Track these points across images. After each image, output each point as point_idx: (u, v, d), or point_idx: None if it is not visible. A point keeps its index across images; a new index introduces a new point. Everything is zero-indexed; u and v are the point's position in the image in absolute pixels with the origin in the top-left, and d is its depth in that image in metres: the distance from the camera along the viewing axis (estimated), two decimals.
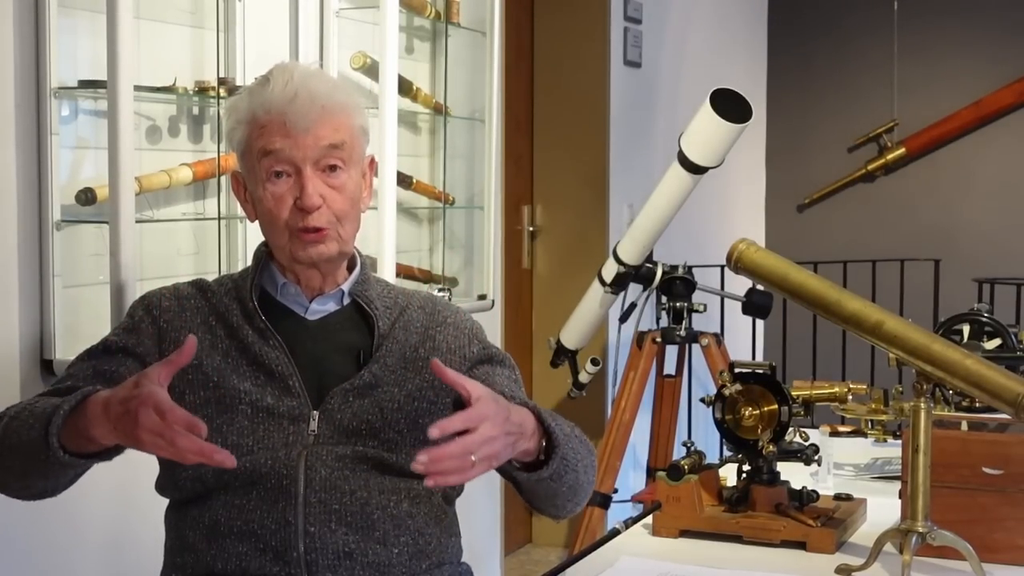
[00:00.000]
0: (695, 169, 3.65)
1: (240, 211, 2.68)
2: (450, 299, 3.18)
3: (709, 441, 3.78)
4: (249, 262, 1.93)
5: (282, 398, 1.81)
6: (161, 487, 1.88)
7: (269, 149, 1.80)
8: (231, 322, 1.85)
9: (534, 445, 1.70)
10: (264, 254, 1.90)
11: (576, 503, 1.87)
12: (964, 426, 2.08)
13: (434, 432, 1.53)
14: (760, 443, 2.04)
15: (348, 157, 1.84)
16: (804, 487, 2.10)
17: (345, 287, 1.89)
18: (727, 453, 2.51)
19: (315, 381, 1.83)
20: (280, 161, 1.80)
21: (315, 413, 1.81)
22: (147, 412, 1.52)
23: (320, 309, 1.88)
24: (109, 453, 1.69)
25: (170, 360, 1.59)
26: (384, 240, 2.85)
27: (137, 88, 2.29)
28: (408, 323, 1.90)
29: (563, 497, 1.83)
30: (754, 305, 3.85)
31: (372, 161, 1.94)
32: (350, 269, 1.91)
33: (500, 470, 1.79)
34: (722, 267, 4.76)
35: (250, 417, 1.80)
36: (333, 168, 1.82)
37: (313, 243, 1.82)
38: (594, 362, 4.16)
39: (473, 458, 1.56)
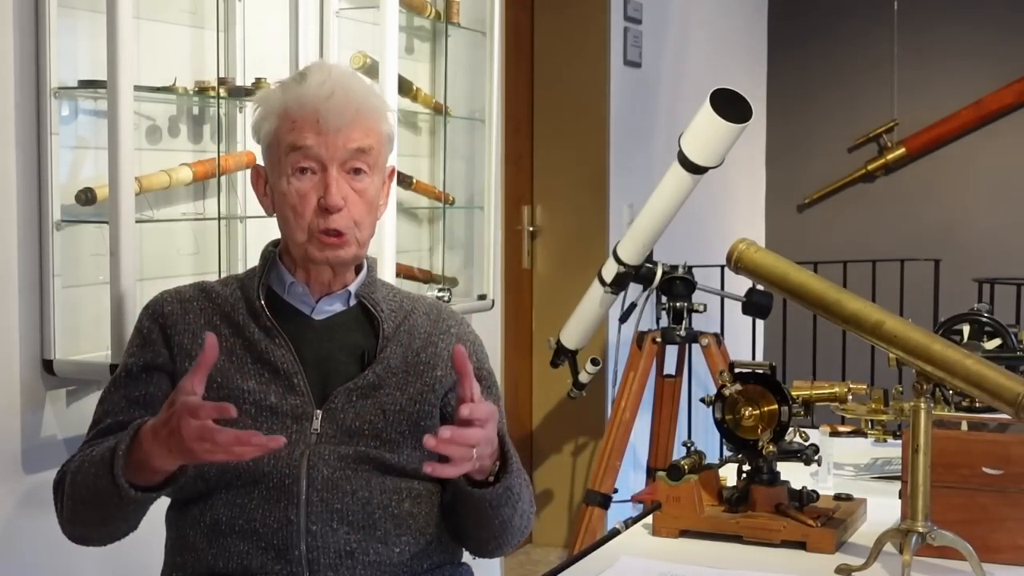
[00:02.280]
0: (695, 169, 3.65)
1: (240, 211, 2.69)
2: (450, 299, 3.19)
3: (709, 441, 3.77)
4: (249, 262, 1.94)
5: (286, 396, 1.82)
6: None
7: (299, 144, 1.80)
8: (236, 320, 1.86)
9: (490, 465, 1.76)
10: (272, 254, 1.90)
11: (497, 544, 1.90)
12: (964, 426, 2.08)
13: (464, 411, 1.61)
14: (760, 443, 2.04)
15: (374, 163, 1.85)
16: (804, 487, 2.10)
17: (352, 288, 1.90)
18: (727, 453, 2.50)
19: (319, 380, 1.84)
20: (308, 158, 1.81)
21: (318, 412, 1.82)
22: (186, 422, 1.57)
23: (327, 309, 1.89)
24: (176, 478, 1.71)
25: (197, 365, 1.62)
26: (384, 240, 2.84)
27: (137, 88, 2.29)
28: (413, 327, 1.91)
29: (489, 532, 1.86)
30: (754, 305, 3.84)
31: (392, 171, 1.95)
32: (357, 271, 1.92)
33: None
34: (722, 267, 4.75)
35: (253, 416, 1.80)
36: (358, 172, 1.83)
37: (332, 247, 1.83)
38: (594, 362, 4.15)
39: (475, 453, 1.60)
